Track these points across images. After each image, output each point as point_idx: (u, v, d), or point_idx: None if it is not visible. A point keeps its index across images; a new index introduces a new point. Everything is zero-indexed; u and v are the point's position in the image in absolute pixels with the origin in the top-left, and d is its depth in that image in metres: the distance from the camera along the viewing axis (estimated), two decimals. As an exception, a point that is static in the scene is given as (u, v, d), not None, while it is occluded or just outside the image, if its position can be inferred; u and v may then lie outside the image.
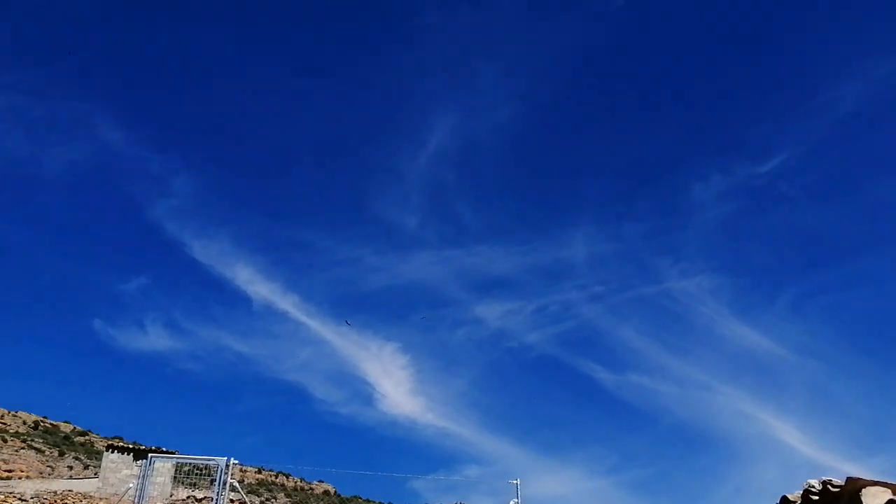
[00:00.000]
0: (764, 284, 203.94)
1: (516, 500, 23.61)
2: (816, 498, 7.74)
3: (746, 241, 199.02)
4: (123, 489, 30.14)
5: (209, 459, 23.39)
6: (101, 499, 31.30)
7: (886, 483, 7.18)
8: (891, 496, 6.68)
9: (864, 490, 7.20)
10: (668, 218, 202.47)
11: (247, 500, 31.88)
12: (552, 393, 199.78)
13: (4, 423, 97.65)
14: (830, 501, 7.62)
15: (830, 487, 7.54)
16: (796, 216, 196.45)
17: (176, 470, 32.06)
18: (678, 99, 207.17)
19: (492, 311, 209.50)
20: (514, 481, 23.97)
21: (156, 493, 29.97)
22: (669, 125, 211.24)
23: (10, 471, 79.49)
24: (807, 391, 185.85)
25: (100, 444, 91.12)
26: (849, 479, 7.37)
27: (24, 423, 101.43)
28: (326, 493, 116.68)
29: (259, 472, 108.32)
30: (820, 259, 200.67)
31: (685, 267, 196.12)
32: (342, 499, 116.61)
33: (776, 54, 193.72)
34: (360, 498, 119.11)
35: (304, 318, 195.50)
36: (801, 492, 8.09)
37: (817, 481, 7.83)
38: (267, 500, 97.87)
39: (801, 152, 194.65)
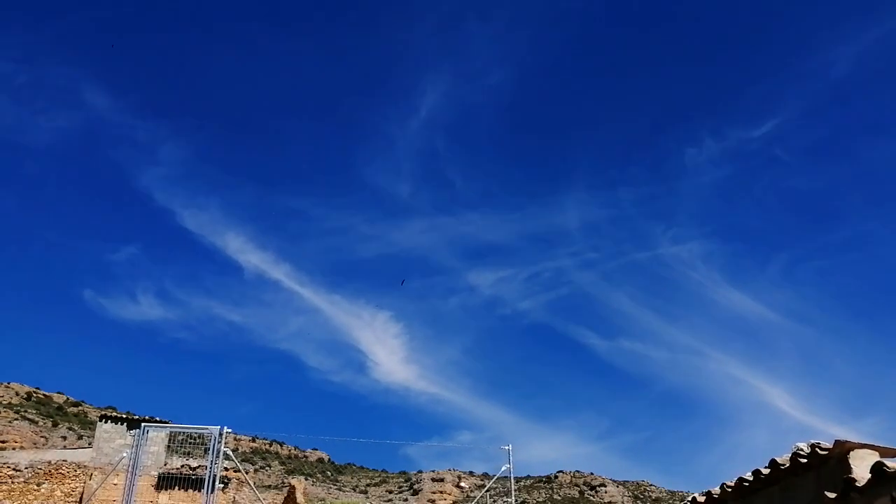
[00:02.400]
0: (756, 250, 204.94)
1: (508, 466, 23.77)
2: (805, 461, 7.81)
3: (739, 206, 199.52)
4: (117, 459, 30.27)
5: (203, 428, 23.45)
6: (95, 468, 31.43)
7: (874, 445, 7.24)
8: (878, 458, 6.74)
9: (851, 453, 7.27)
10: (660, 183, 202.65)
11: (241, 468, 32.06)
12: (544, 359, 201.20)
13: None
14: (819, 465, 7.69)
15: (819, 451, 7.60)
16: (789, 181, 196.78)
17: (170, 439, 32.20)
18: (671, 64, 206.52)
19: (484, 279, 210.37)
20: (506, 447, 24.11)
21: (150, 462, 30.11)
22: (663, 90, 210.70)
23: (3, 441, 79.80)
24: (797, 356, 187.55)
25: (93, 415, 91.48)
26: (836, 443, 7.44)
27: (17, 394, 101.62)
28: (320, 460, 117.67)
29: (253, 440, 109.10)
30: (812, 224, 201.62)
31: (677, 233, 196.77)
32: (336, 466, 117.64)
33: (769, 18, 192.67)
34: (354, 465, 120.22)
35: (296, 287, 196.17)
36: (790, 455, 8.16)
37: (805, 444, 7.90)
38: (261, 468, 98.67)
39: (795, 116, 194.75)
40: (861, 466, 6.97)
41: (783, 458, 8.18)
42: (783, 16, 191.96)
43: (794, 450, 7.90)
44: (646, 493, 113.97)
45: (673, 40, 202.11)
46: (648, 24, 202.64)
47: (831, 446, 7.35)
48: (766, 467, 8.55)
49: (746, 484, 8.98)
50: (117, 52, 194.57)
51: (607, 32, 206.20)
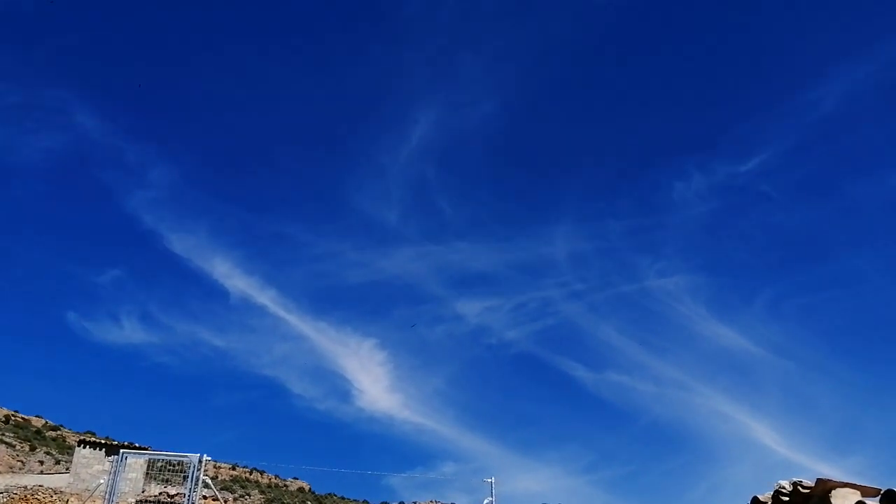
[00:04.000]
0: (742, 284, 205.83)
1: (490, 499, 23.61)
2: (787, 499, 7.78)
3: (726, 241, 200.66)
4: (95, 485, 29.84)
5: (182, 456, 23.21)
6: (72, 494, 30.96)
7: (856, 485, 7.23)
8: (860, 498, 6.73)
9: (833, 492, 7.25)
10: (648, 216, 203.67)
11: (220, 496, 31.68)
12: (530, 390, 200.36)
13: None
14: (801, 502, 7.67)
15: (801, 489, 7.58)
16: (776, 216, 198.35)
17: (148, 466, 31.85)
18: (660, 97, 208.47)
19: (471, 308, 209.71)
20: (489, 479, 23.98)
21: (128, 489, 29.71)
22: (651, 123, 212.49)
23: (-21, 465, 78.49)
24: (782, 391, 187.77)
25: (72, 439, 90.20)
26: (819, 481, 7.42)
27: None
28: (301, 490, 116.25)
29: (233, 468, 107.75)
30: (798, 259, 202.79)
31: (664, 266, 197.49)
32: (317, 496, 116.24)
33: (757, 54, 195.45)
34: (336, 495, 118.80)
35: (282, 313, 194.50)
36: (772, 493, 8.13)
37: (788, 482, 7.87)
38: (241, 496, 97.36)
39: (782, 152, 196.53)
40: (843, 505, 6.96)
41: (765, 496, 8.15)
42: (772, 52, 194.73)
43: (777, 487, 7.87)
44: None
45: (662, 74, 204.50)
46: (638, 58, 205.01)
47: (813, 485, 7.34)
48: (748, 505, 8.51)
49: (728, 521, 8.93)
50: (107, 73, 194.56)
51: (597, 65, 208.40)
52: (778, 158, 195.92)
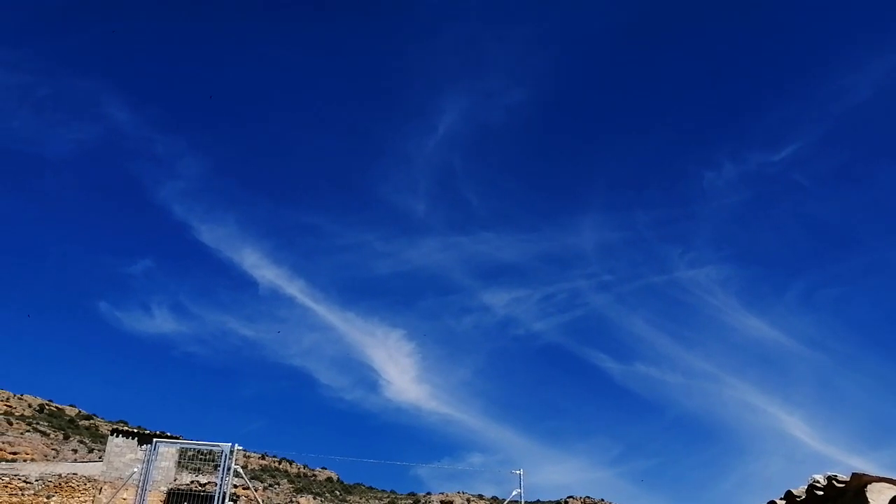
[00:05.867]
0: (774, 275, 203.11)
1: (519, 490, 23.63)
2: (821, 493, 7.71)
3: (757, 231, 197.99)
4: (128, 473, 30.28)
5: (213, 445, 23.47)
6: (105, 482, 31.44)
7: (892, 479, 7.15)
8: (896, 493, 6.66)
9: (869, 486, 7.17)
10: (678, 206, 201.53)
11: (250, 485, 32.02)
12: (558, 382, 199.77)
13: (10, 406, 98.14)
14: (835, 497, 7.59)
15: (835, 483, 7.50)
16: (809, 206, 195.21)
17: (180, 455, 32.23)
18: (690, 85, 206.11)
19: (498, 299, 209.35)
20: (518, 471, 23.99)
21: (160, 477, 30.11)
22: (681, 111, 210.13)
23: (14, 453, 79.95)
24: (814, 384, 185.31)
25: (104, 428, 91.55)
26: (854, 475, 7.33)
27: (30, 405, 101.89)
28: (329, 479, 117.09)
29: (262, 457, 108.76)
30: (831, 250, 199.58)
31: (694, 257, 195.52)
32: (345, 485, 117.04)
33: (790, 42, 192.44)
34: (363, 485, 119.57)
35: (310, 303, 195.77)
36: (806, 487, 8.06)
37: (822, 476, 7.80)
38: (270, 485, 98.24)
39: (815, 140, 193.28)
40: (879, 500, 6.88)
41: (799, 490, 8.08)
42: (804, 39, 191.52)
43: (811, 481, 7.80)
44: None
45: (692, 62, 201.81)
46: (667, 46, 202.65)
47: (848, 479, 7.26)
48: (781, 499, 8.43)
49: (761, 515, 8.86)
50: (137, 64, 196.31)
51: (626, 53, 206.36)
52: (811, 147, 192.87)
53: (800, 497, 8.05)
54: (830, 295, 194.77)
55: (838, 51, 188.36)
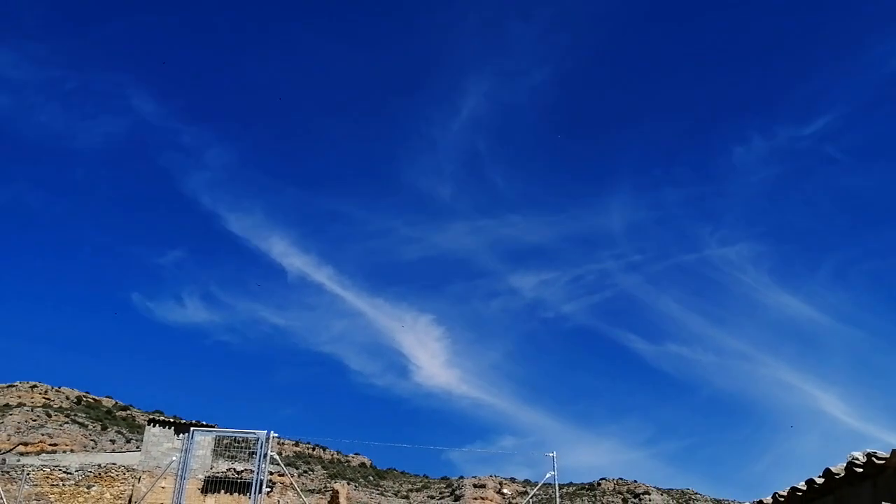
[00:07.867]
0: (807, 251, 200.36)
1: (553, 473, 23.63)
2: (861, 471, 7.64)
3: (789, 207, 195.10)
4: (166, 462, 30.75)
5: (248, 433, 23.72)
6: (143, 471, 31.96)
7: (933, 455, 7.07)
8: (938, 469, 6.58)
9: (909, 463, 7.10)
10: (707, 183, 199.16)
11: (286, 472, 32.38)
12: (588, 364, 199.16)
13: (48, 399, 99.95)
14: (875, 474, 7.52)
15: (875, 460, 7.43)
16: (841, 180, 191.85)
17: (216, 443, 32.66)
18: (716, 59, 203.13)
19: (527, 282, 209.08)
20: (551, 454, 23.98)
21: (197, 465, 30.53)
22: (708, 87, 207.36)
23: (54, 444, 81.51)
24: (850, 360, 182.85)
25: (140, 419, 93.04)
26: (894, 452, 7.26)
27: (68, 398, 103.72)
28: (363, 465, 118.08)
29: (296, 444, 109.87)
30: (865, 224, 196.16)
31: (725, 234, 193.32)
32: (378, 471, 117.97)
33: (820, 13, 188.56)
34: (396, 470, 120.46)
35: (338, 290, 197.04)
36: (845, 464, 7.99)
37: (861, 453, 7.72)
38: (305, 472, 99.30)
39: (847, 113, 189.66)
40: (920, 476, 6.81)
41: (838, 468, 8.01)
42: (834, 10, 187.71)
43: (850, 459, 7.72)
44: (691, 502, 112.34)
45: (719, 36, 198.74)
46: (693, 21, 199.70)
47: (888, 455, 7.18)
48: (819, 476, 8.38)
49: (800, 493, 8.81)
50: (163, 57, 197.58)
51: (651, 30, 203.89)
52: (843, 119, 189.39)
53: (839, 474, 7.99)
54: (865, 270, 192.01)
55: (870, 22, 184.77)
